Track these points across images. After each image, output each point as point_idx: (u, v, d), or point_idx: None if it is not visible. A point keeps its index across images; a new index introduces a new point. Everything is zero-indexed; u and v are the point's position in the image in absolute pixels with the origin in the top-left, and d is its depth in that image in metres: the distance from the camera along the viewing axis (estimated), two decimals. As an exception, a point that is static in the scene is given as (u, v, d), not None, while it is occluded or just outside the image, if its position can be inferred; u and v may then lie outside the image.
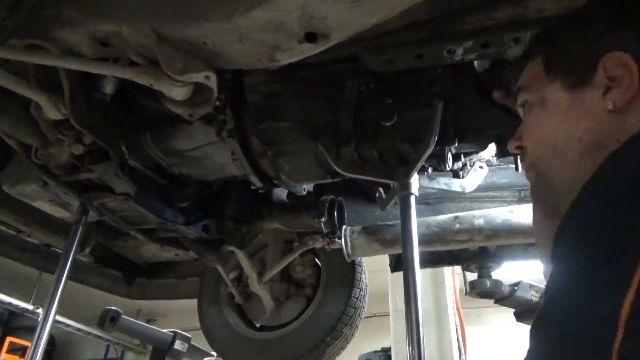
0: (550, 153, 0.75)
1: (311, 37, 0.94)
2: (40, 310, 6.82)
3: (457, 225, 1.48)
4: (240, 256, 1.97)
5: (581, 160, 0.69)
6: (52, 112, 1.18)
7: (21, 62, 1.20)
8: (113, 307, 2.79)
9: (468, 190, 1.38)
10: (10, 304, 7.20)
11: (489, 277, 1.86)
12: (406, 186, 1.29)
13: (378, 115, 1.26)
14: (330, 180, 1.52)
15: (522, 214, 1.43)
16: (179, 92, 1.10)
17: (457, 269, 4.78)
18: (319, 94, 1.34)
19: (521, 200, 1.66)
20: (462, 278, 4.79)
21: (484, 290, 1.85)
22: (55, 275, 1.57)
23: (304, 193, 1.61)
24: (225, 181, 1.80)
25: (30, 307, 7.30)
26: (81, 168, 1.39)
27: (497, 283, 1.87)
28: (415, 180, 1.31)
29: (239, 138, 1.38)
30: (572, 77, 0.73)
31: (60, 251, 2.14)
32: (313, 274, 2.19)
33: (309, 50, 0.97)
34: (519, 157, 0.96)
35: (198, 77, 1.04)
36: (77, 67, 1.07)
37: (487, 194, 1.65)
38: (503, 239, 1.45)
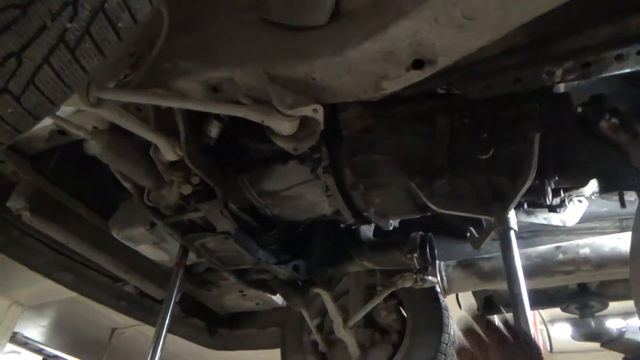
0: None
1: (418, 64, 1.00)
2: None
3: (561, 256, 1.43)
4: (327, 299, 1.96)
5: None
6: (169, 153, 1.28)
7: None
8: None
9: (569, 224, 1.35)
10: (84, 369, 7.34)
11: (593, 317, 1.75)
12: (505, 221, 1.27)
13: (474, 149, 1.27)
14: (419, 215, 1.52)
15: (632, 240, 1.36)
16: (286, 127, 1.17)
17: (539, 323, 4.48)
18: (412, 129, 1.38)
19: (623, 230, 1.58)
20: (546, 334, 4.49)
21: (589, 332, 1.73)
22: (159, 319, 1.62)
23: (391, 228, 1.62)
24: (311, 224, 1.84)
25: (102, 372, 7.41)
26: (187, 208, 1.47)
27: (603, 323, 1.75)
28: (513, 215, 1.29)
29: (334, 174, 1.44)
30: None
31: (153, 301, 2.22)
32: (398, 319, 2.13)
33: (415, 77, 1.02)
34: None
35: (307, 110, 1.11)
36: (199, 108, 1.17)
37: (585, 225, 1.59)
38: (613, 268, 1.38)
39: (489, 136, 1.27)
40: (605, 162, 1.19)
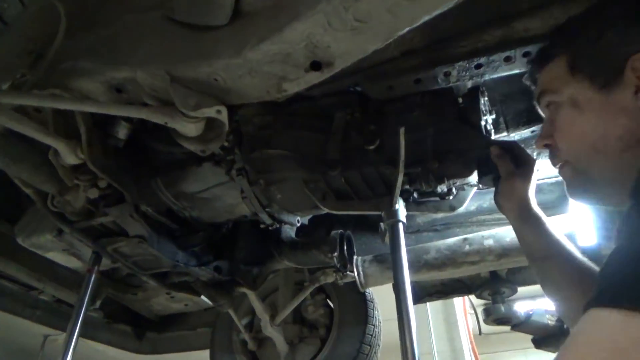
0: (589, 151, 0.81)
1: (316, 66, 1.01)
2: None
3: (467, 247, 1.49)
4: (253, 298, 1.96)
5: (622, 155, 0.76)
6: (69, 157, 1.23)
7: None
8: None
9: (458, 208, 1.36)
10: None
11: (504, 302, 1.85)
12: (393, 214, 1.27)
13: (362, 141, 1.30)
14: (322, 212, 1.50)
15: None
16: (191, 129, 1.15)
17: (469, 308, 4.70)
18: (309, 125, 1.40)
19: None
20: (475, 319, 4.71)
21: (499, 316, 1.84)
22: (68, 327, 1.55)
23: (298, 224, 1.64)
24: (234, 224, 1.83)
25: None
26: (96, 213, 1.42)
27: (512, 308, 1.86)
28: (402, 208, 1.29)
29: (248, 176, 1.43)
30: (601, 78, 0.79)
31: (71, 307, 2.13)
32: (325, 314, 2.17)
33: (315, 78, 1.03)
34: (549, 153, 0.95)
35: (210, 111, 1.10)
36: (97, 110, 1.13)
37: (493, 216, 1.68)
38: (514, 257, 1.46)
39: (375, 127, 1.31)
40: (482, 149, 1.22)
